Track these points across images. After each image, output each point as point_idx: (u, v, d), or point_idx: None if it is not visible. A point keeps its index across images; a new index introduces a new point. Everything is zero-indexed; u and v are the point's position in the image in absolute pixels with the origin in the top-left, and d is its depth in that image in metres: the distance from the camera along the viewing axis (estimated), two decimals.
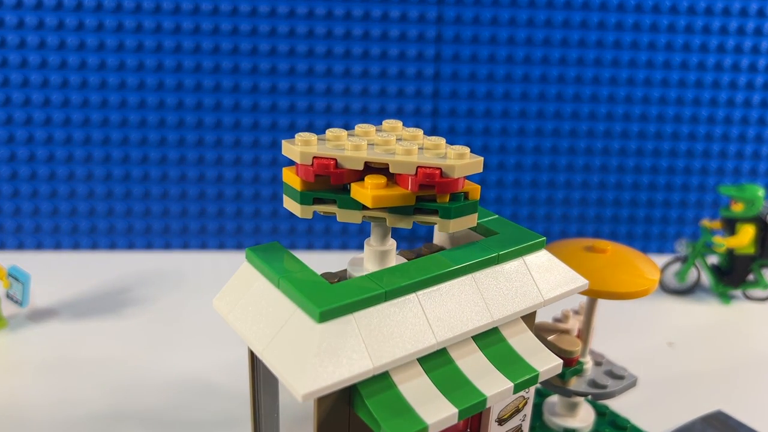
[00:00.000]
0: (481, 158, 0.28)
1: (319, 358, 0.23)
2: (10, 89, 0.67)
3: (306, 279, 0.26)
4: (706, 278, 0.66)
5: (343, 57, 0.69)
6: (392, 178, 0.28)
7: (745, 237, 0.63)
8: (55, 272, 0.65)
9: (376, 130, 0.30)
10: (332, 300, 0.25)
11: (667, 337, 0.58)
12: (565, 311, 0.42)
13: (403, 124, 0.31)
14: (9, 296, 0.56)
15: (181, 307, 0.59)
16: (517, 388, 0.27)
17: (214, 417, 0.44)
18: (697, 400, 0.48)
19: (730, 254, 0.64)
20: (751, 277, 0.65)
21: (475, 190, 0.29)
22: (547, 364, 0.28)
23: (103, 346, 0.52)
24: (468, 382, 0.26)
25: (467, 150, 0.27)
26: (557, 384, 0.40)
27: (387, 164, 0.27)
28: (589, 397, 0.41)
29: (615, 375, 0.41)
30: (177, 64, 0.68)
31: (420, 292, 0.27)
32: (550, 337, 0.39)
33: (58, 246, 0.72)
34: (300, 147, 0.27)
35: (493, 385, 0.27)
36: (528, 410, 0.33)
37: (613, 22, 0.70)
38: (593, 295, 0.38)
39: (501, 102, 0.72)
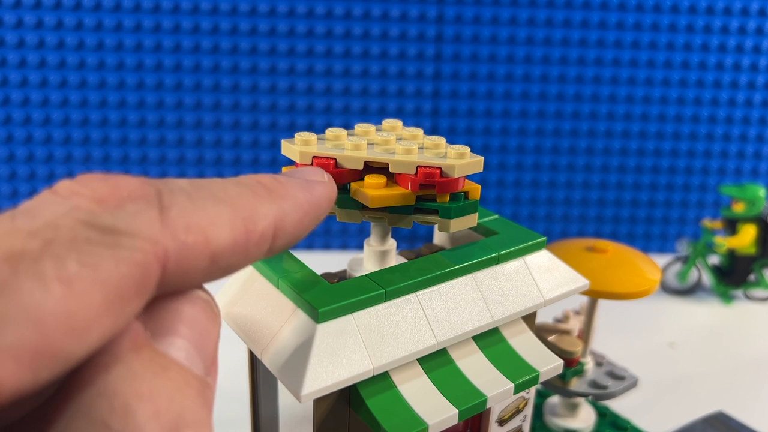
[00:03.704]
0: (482, 158, 0.27)
1: (318, 359, 0.23)
2: (9, 88, 0.67)
3: (306, 279, 0.26)
4: (707, 278, 0.66)
5: (343, 56, 0.69)
6: (392, 178, 0.28)
7: (746, 237, 0.62)
8: None
9: (376, 130, 0.30)
10: (332, 300, 0.25)
11: (668, 338, 0.57)
12: (565, 311, 0.42)
13: (403, 124, 0.31)
14: None
15: None
16: (518, 389, 0.27)
17: (214, 417, 0.43)
18: (699, 400, 0.47)
19: (732, 254, 0.64)
20: (752, 277, 0.65)
21: (475, 190, 0.29)
22: (548, 364, 0.28)
23: None
24: (468, 383, 0.26)
25: (467, 149, 0.27)
26: (558, 384, 0.40)
27: (387, 164, 0.27)
28: (590, 397, 0.41)
29: (616, 375, 0.41)
30: (176, 63, 0.68)
31: (420, 292, 0.27)
32: (551, 338, 0.39)
33: None
34: (299, 146, 0.27)
35: (493, 385, 0.26)
36: (528, 411, 0.33)
37: (614, 21, 0.70)
38: (594, 295, 0.38)
39: (501, 101, 0.72)
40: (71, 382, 0.13)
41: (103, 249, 0.13)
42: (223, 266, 0.16)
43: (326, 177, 0.21)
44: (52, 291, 0.12)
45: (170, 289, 0.15)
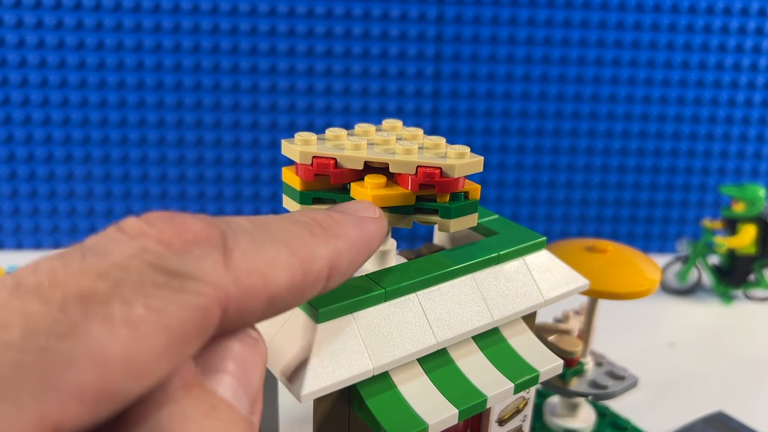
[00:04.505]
0: (482, 158, 0.27)
1: (318, 359, 0.23)
2: (9, 88, 0.67)
3: None
4: (707, 278, 0.66)
5: (343, 56, 0.69)
6: (392, 178, 0.28)
7: (746, 237, 0.62)
8: None
9: (376, 130, 0.30)
10: (332, 300, 0.25)
11: (668, 338, 0.57)
12: (565, 311, 0.42)
13: (403, 124, 0.31)
14: None
15: None
16: (518, 389, 0.27)
17: None
18: (698, 400, 0.47)
19: (732, 254, 0.64)
20: (752, 277, 0.65)
21: (475, 190, 0.29)
22: (548, 364, 0.28)
23: None
24: (468, 383, 0.26)
25: (467, 149, 0.27)
26: (558, 384, 0.40)
27: (387, 164, 0.27)
28: (590, 397, 0.41)
29: (616, 375, 0.41)
30: (176, 63, 0.68)
31: (420, 292, 0.27)
32: (551, 338, 0.39)
33: (56, 246, 0.72)
34: (300, 146, 0.27)
35: (493, 385, 0.26)
36: (528, 411, 0.33)
37: (614, 21, 0.70)
38: (594, 295, 0.38)
39: (501, 101, 0.72)
40: (124, 418, 0.13)
41: (169, 293, 0.13)
42: (278, 307, 0.16)
43: (378, 212, 0.22)
44: (118, 334, 0.12)
45: (227, 329, 0.15)
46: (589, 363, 0.41)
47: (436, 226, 0.32)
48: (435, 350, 0.26)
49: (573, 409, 0.42)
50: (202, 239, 0.15)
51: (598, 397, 0.40)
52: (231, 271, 0.15)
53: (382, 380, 0.25)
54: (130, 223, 0.15)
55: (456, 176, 0.27)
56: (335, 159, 0.27)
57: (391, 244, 0.30)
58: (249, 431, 0.15)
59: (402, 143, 0.27)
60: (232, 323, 0.15)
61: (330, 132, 0.28)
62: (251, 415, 0.16)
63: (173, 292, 0.13)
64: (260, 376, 0.16)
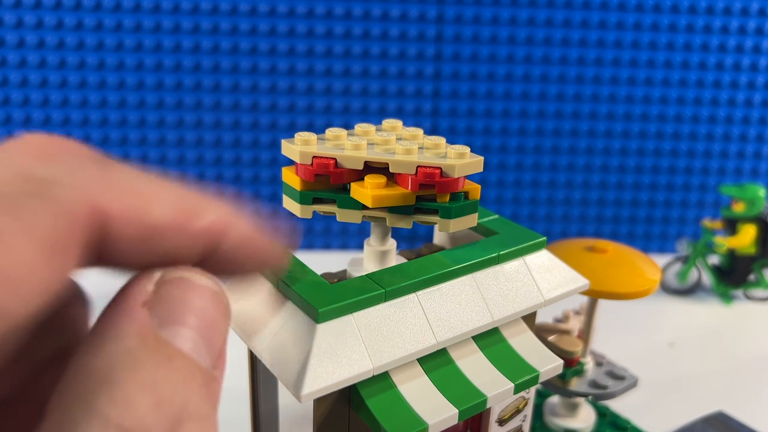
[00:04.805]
0: (482, 158, 0.27)
1: (318, 359, 0.23)
2: (9, 89, 0.67)
3: (306, 279, 0.26)
4: (707, 278, 0.66)
5: (343, 56, 0.69)
6: (392, 178, 0.28)
7: (746, 237, 0.62)
8: None
9: (376, 130, 0.30)
10: (332, 300, 0.25)
11: (668, 338, 0.57)
12: (565, 311, 0.42)
13: (403, 124, 0.31)
14: None
15: None
16: (518, 389, 0.27)
17: None
18: (698, 400, 0.47)
19: (731, 254, 0.64)
20: (752, 277, 0.65)
21: (475, 190, 0.29)
22: (548, 364, 0.28)
23: None
24: (468, 383, 0.26)
25: (467, 149, 0.27)
26: (558, 384, 0.40)
27: (387, 164, 0.27)
28: (590, 397, 0.41)
29: (616, 375, 0.41)
30: (176, 63, 0.68)
31: (420, 292, 0.27)
32: (551, 338, 0.39)
33: None
34: (300, 146, 0.27)
35: (493, 385, 0.26)
36: (528, 411, 0.33)
37: (614, 21, 0.70)
38: (594, 295, 0.38)
39: (501, 101, 0.72)
40: (74, 368, 0.13)
41: (38, 201, 0.13)
42: (163, 243, 0.15)
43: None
44: None
45: (113, 258, 0.15)
46: (589, 363, 0.41)
47: (436, 226, 0.32)
48: (435, 350, 0.26)
49: (573, 409, 0.42)
50: (79, 153, 0.15)
51: (598, 397, 0.40)
52: (108, 186, 0.14)
53: (382, 380, 0.25)
54: (6, 143, 0.15)
55: (456, 176, 0.27)
56: (335, 159, 0.27)
57: (391, 244, 0.30)
58: (209, 383, 0.14)
59: (402, 143, 0.27)
60: (117, 248, 0.14)
61: (330, 132, 0.28)
62: (214, 369, 0.15)
63: (42, 200, 0.13)
64: (223, 330, 0.16)
